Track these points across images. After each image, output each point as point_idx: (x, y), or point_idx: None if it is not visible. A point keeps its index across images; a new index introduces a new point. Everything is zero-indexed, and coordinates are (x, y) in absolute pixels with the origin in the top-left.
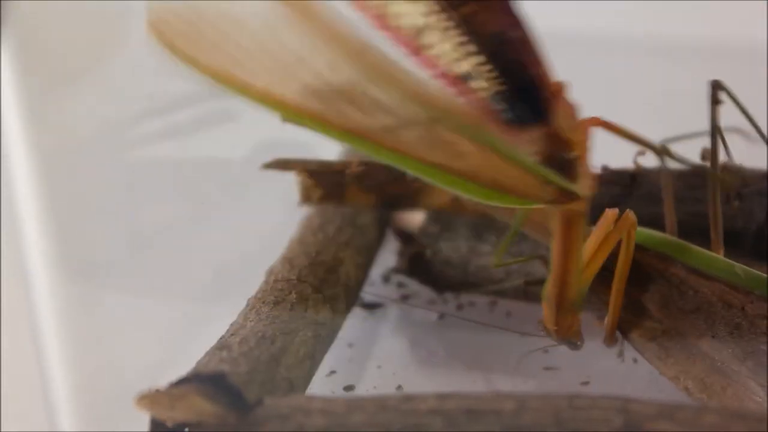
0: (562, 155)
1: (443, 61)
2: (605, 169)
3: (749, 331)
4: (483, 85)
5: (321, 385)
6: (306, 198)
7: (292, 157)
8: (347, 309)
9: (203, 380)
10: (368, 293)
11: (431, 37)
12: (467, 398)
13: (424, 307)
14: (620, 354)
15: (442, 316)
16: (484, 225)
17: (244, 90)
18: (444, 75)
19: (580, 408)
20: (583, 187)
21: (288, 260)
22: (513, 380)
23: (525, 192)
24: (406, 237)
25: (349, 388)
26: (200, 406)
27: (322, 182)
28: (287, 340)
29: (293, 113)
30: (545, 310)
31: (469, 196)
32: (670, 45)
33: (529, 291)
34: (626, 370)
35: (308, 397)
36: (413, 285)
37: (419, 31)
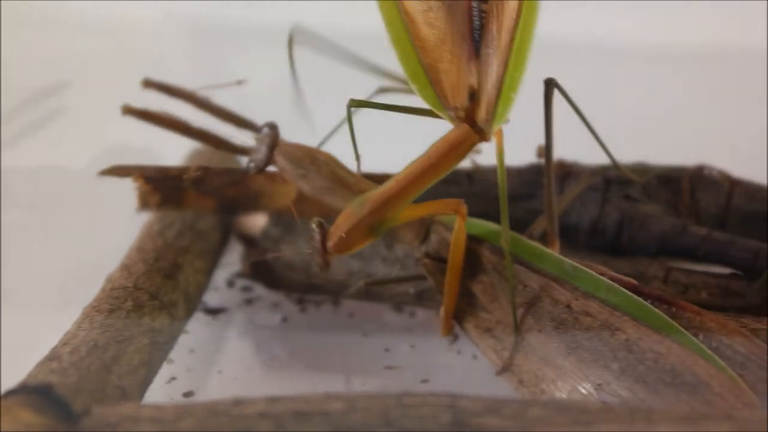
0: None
1: None
2: None
3: (573, 327)
4: None
5: (160, 392)
6: (144, 204)
7: (130, 164)
8: (187, 315)
9: (30, 392)
10: (212, 298)
11: None
12: (296, 400)
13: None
14: (453, 340)
15: (285, 318)
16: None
17: None
18: None
19: (409, 406)
20: (491, 130)
21: (126, 267)
22: (354, 380)
23: (452, 91)
24: (248, 241)
25: (188, 394)
26: (27, 419)
27: (160, 188)
28: (121, 348)
29: None
30: (343, 215)
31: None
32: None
33: (372, 291)
34: (466, 366)
35: (137, 405)
36: (258, 289)
37: None
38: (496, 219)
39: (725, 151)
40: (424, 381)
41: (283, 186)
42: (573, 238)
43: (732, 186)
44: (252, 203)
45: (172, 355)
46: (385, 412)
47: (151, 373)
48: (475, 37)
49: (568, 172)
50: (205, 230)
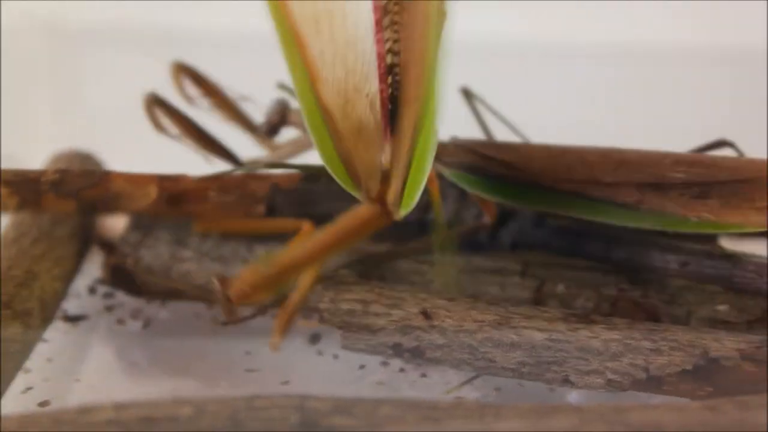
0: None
1: (386, 45)
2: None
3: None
4: (390, 82)
5: (16, 402)
6: (2, 207)
7: None
8: (44, 323)
9: None
10: (73, 305)
11: (387, 20)
12: (145, 406)
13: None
14: (314, 341)
15: (146, 324)
16: (185, 230)
17: None
18: (381, 60)
19: (258, 408)
20: (398, 213)
21: None
22: (215, 385)
23: (365, 174)
24: (108, 246)
25: (44, 403)
26: None
27: (18, 191)
28: None
29: None
30: (249, 270)
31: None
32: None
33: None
34: (327, 366)
35: None
36: (120, 295)
37: (385, 11)
38: None
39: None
40: (285, 383)
41: (142, 187)
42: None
43: None
44: (111, 205)
45: (30, 364)
46: (234, 415)
47: (3, 383)
48: (392, 122)
49: None
50: (63, 237)
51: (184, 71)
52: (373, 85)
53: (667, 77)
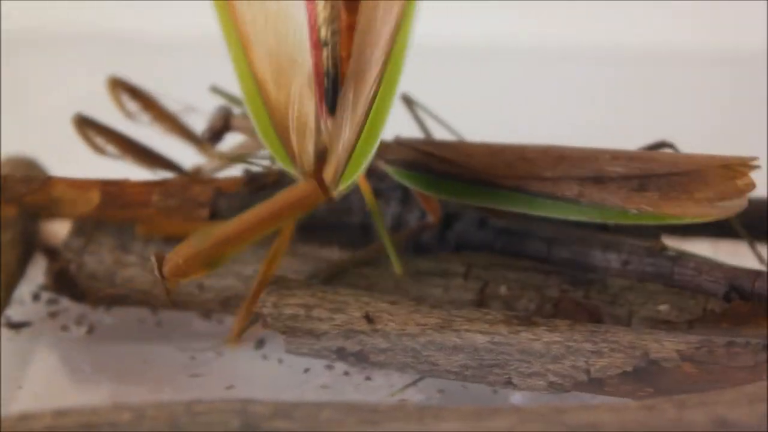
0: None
1: (319, 18)
2: (248, 173)
3: None
4: (327, 57)
5: None
6: None
7: None
8: None
9: None
10: (16, 312)
11: None
12: (84, 413)
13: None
14: (259, 345)
15: (91, 330)
16: (128, 235)
17: None
18: (313, 31)
19: (198, 413)
20: (336, 190)
21: None
22: (159, 390)
23: (300, 149)
24: (50, 252)
25: None
26: None
27: None
28: None
29: None
30: (184, 244)
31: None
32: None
33: (179, 300)
34: (272, 370)
35: None
36: (65, 301)
37: None
38: None
39: None
40: (229, 387)
41: (85, 192)
42: (377, 236)
43: None
44: (54, 210)
45: None
46: (173, 421)
47: None
48: (327, 98)
49: None
50: (6, 243)
51: (121, 86)
52: (306, 57)
53: (666, 79)
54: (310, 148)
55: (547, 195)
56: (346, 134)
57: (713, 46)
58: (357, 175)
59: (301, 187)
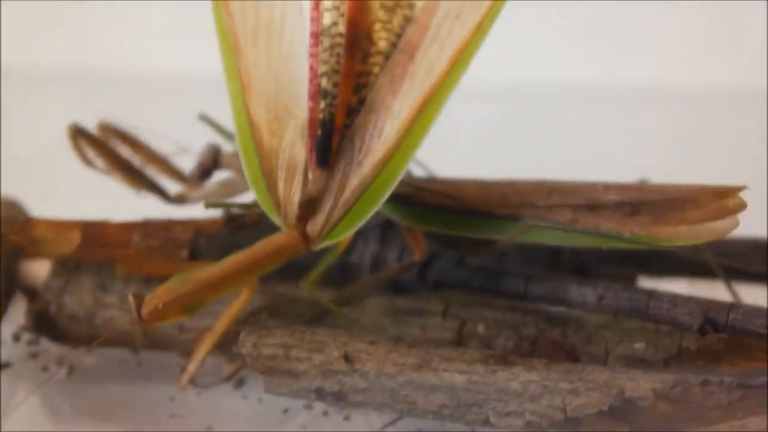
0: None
1: (320, 67)
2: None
3: None
4: (322, 107)
5: None
6: None
7: None
8: None
9: None
10: None
11: (324, 41)
12: None
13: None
14: (239, 385)
15: (71, 371)
16: (108, 275)
17: None
18: (314, 81)
19: None
20: (319, 244)
21: None
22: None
23: (285, 198)
24: (30, 293)
25: None
26: None
27: None
28: None
29: None
30: (164, 287)
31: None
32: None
33: (159, 340)
34: (252, 410)
35: None
36: (45, 342)
37: (324, 29)
38: None
39: None
40: (209, 428)
41: (65, 233)
42: (356, 275)
43: None
44: (35, 251)
45: None
46: None
47: None
48: (320, 149)
49: None
50: None
51: (109, 131)
52: (303, 107)
53: (667, 117)
54: (295, 198)
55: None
56: (346, 192)
57: (701, 84)
58: (347, 235)
59: (282, 237)
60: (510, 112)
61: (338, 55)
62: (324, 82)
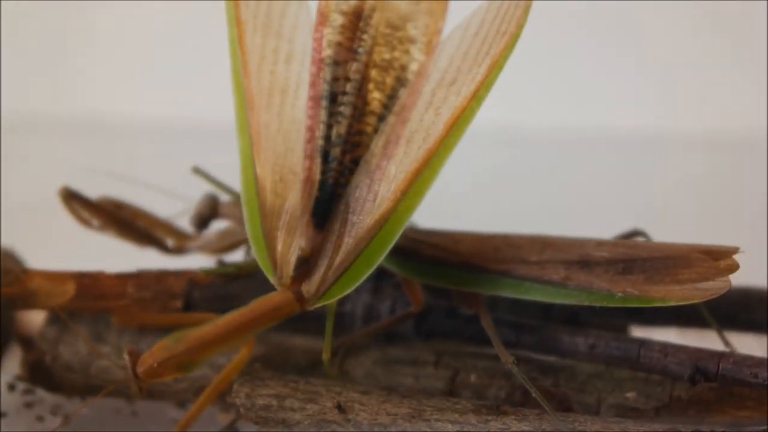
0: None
1: (321, 128)
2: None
3: None
4: (319, 166)
5: None
6: None
7: None
8: None
9: None
10: None
11: (327, 109)
12: None
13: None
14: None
15: (66, 421)
16: (103, 325)
17: None
18: (311, 134)
19: None
20: (314, 305)
21: None
22: None
23: (281, 258)
24: (26, 343)
25: None
26: None
27: None
28: None
29: None
30: (159, 346)
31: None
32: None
33: (154, 390)
34: None
35: None
36: (40, 391)
37: (331, 96)
38: None
39: None
40: None
41: (60, 285)
42: (349, 325)
43: None
44: (30, 302)
45: None
46: None
47: None
48: (317, 209)
49: None
50: None
51: (107, 202)
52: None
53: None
54: (292, 258)
55: (534, 279)
56: (341, 254)
57: (693, 130)
58: (342, 295)
59: (277, 296)
60: (505, 159)
61: (339, 117)
62: (322, 142)
